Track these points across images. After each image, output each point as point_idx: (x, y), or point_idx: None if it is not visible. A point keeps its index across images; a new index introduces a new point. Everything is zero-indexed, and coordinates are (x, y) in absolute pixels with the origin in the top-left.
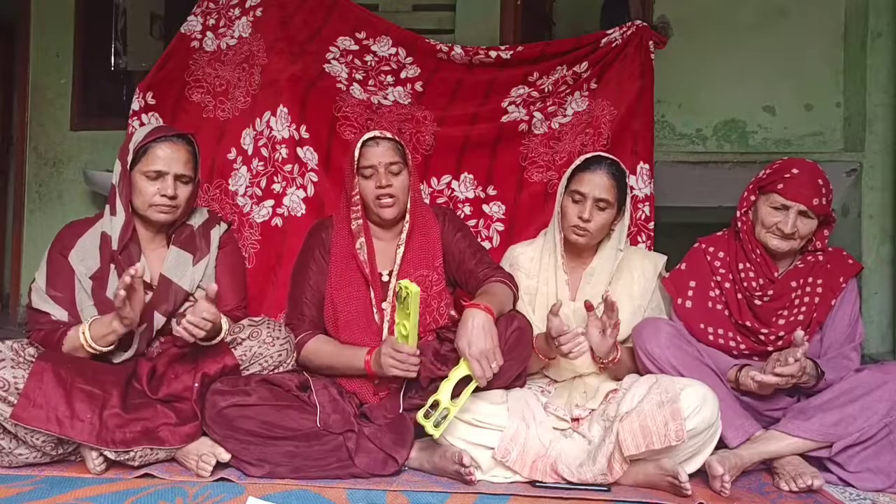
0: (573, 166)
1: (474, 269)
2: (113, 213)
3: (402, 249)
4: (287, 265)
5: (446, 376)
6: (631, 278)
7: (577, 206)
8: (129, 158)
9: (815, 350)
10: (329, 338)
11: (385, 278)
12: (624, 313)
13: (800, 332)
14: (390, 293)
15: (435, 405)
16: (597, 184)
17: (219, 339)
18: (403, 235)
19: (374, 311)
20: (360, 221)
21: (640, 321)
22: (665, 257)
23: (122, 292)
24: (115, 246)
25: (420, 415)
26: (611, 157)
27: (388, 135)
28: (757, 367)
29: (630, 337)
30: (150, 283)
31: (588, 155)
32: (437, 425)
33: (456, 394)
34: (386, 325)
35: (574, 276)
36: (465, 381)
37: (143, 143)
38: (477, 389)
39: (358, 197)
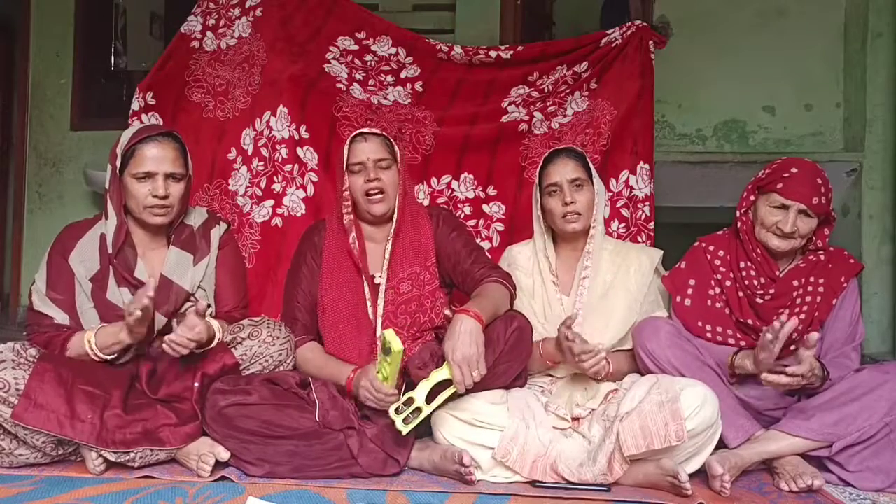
0: (538, 169)
1: (470, 270)
2: (106, 217)
3: (390, 245)
4: (287, 265)
5: (427, 377)
6: (627, 273)
7: (558, 196)
8: (118, 163)
9: (815, 349)
10: (319, 347)
11: (377, 280)
12: (620, 308)
13: (814, 335)
14: (381, 294)
15: (409, 402)
16: (563, 169)
17: (212, 345)
18: (392, 232)
19: (369, 308)
20: (351, 216)
21: (640, 320)
22: (661, 252)
23: (138, 312)
24: (110, 250)
25: (392, 409)
26: (565, 146)
27: (376, 131)
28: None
29: (628, 335)
30: None
31: (545, 154)
32: (406, 422)
33: (434, 395)
34: (380, 322)
35: (569, 273)
36: (447, 384)
37: (130, 146)
38: (455, 395)
39: (348, 193)
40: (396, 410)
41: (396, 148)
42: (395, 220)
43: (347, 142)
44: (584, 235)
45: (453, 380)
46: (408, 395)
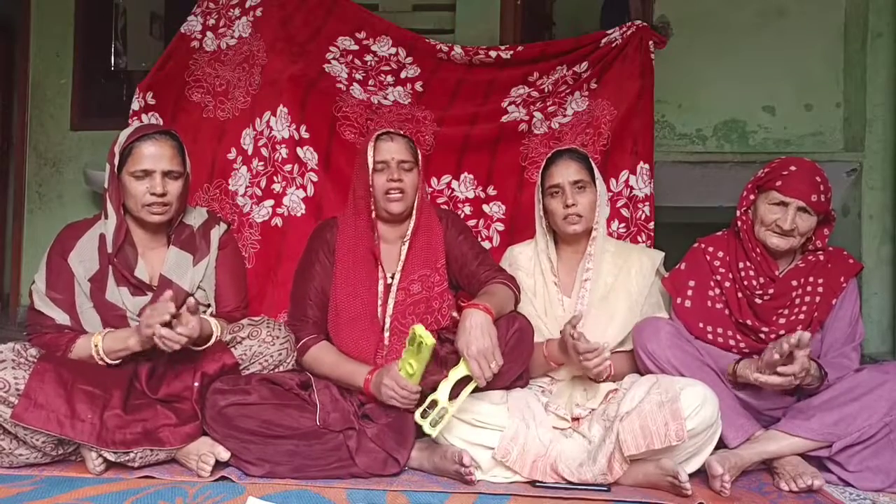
0: (541, 170)
1: (476, 272)
2: (106, 216)
3: (406, 247)
4: (287, 265)
5: (446, 377)
6: (628, 275)
7: (559, 198)
8: (116, 161)
9: (815, 350)
10: (332, 346)
11: (388, 280)
12: (621, 310)
13: (806, 334)
14: (391, 296)
15: (433, 404)
16: (566, 171)
17: (211, 342)
18: (409, 233)
19: (379, 309)
20: (374, 214)
21: (640, 320)
22: (662, 253)
23: (160, 331)
24: (109, 249)
25: (417, 414)
26: (569, 147)
27: (402, 132)
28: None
29: (629, 337)
30: (150, 284)
31: (547, 155)
32: (434, 424)
33: (456, 394)
34: (388, 321)
35: (570, 274)
36: (465, 381)
37: (127, 144)
38: (476, 389)
39: (373, 189)
40: (422, 415)
41: (419, 151)
42: (413, 221)
43: (373, 139)
44: (585, 237)
45: (472, 374)
46: (431, 397)
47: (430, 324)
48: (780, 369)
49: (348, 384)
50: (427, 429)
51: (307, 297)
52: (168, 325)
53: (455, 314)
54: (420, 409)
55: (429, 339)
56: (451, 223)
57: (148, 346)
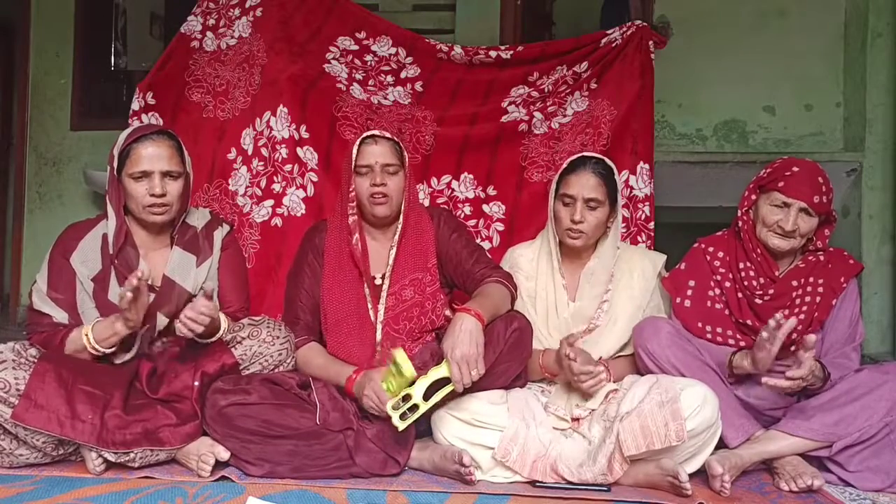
0: (560, 170)
1: (471, 270)
2: (107, 217)
3: (394, 251)
4: (287, 265)
5: (426, 374)
6: (630, 278)
7: (568, 209)
8: (115, 164)
9: (816, 350)
10: (321, 348)
11: (378, 281)
12: (624, 313)
13: (812, 336)
14: (382, 298)
15: (407, 398)
16: (584, 185)
17: (217, 335)
18: (396, 237)
19: (370, 309)
20: (356, 217)
21: (640, 320)
22: (664, 256)
23: (129, 294)
24: (111, 250)
25: (389, 405)
26: (596, 155)
27: (387, 135)
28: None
29: (630, 340)
30: (153, 285)
31: (573, 157)
32: (403, 418)
33: (432, 393)
34: (380, 326)
35: (573, 277)
36: (445, 382)
37: (125, 146)
38: (453, 394)
39: (354, 194)
40: (393, 406)
41: (405, 153)
42: (400, 224)
43: (357, 142)
44: (587, 248)
45: (451, 378)
46: (405, 391)
47: (425, 325)
48: (787, 373)
49: (335, 385)
50: (395, 421)
51: (297, 300)
52: (136, 291)
53: (448, 313)
54: (392, 401)
55: (408, 371)
56: (443, 222)
57: (133, 327)
